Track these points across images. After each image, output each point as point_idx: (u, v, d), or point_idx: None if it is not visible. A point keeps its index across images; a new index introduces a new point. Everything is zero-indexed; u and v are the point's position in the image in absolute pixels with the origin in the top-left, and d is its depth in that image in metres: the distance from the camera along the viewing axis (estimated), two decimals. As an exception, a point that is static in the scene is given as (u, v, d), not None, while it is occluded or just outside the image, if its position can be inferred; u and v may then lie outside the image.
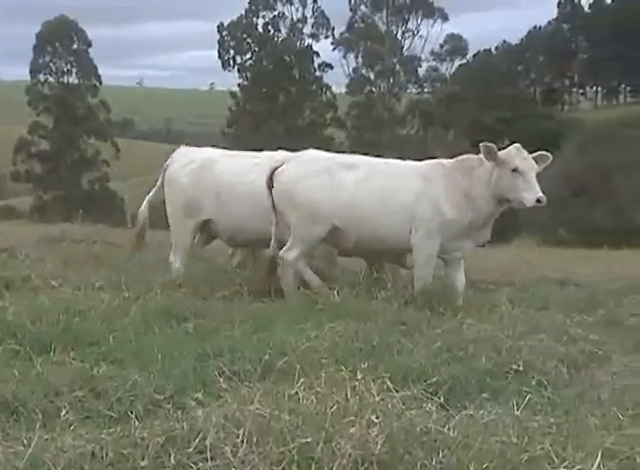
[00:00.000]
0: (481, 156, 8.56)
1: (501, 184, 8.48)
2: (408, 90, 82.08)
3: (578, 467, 3.42)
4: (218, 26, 72.85)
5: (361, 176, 8.73)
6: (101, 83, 66.51)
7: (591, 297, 9.09)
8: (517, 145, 8.63)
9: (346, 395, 3.94)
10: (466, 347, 5.93)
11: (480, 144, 8.56)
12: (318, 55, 72.57)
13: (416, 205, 8.58)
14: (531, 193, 8.33)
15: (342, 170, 8.76)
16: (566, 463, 3.45)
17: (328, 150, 10.33)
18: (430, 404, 4.16)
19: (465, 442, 3.61)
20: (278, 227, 8.81)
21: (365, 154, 10.85)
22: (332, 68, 73.84)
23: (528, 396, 4.52)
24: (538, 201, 8.28)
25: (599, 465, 3.42)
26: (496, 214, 8.78)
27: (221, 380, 4.52)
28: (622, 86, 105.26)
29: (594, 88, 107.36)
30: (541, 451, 3.53)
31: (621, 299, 8.68)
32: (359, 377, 4.20)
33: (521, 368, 5.36)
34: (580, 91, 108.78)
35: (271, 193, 8.77)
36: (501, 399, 4.64)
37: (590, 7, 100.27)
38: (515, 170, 8.42)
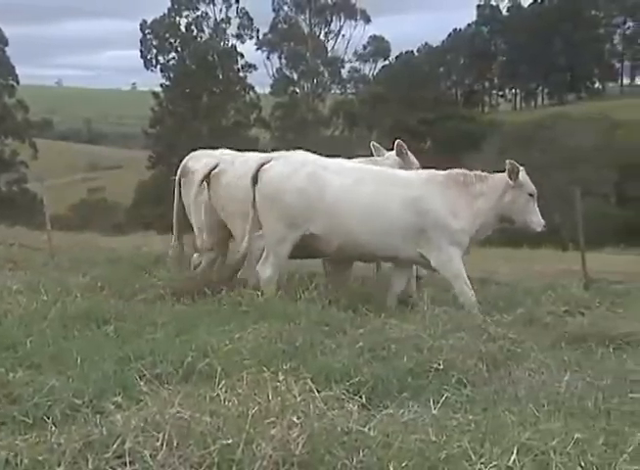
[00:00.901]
0: (477, 172, 8.80)
1: (515, 206, 8.70)
2: (332, 91, 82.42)
3: (495, 463, 3.48)
4: (141, 25, 72.02)
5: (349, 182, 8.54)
6: (18, 83, 64.93)
7: (511, 296, 9.26)
8: (523, 168, 8.79)
9: (268, 396, 3.93)
10: (388, 346, 5.98)
11: (507, 161, 8.69)
12: (242, 56, 72.31)
13: (411, 215, 8.43)
14: (539, 219, 8.76)
15: (329, 174, 8.55)
16: (483, 460, 3.52)
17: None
18: (351, 404, 4.18)
19: (385, 441, 3.64)
20: (253, 224, 8.61)
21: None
22: (256, 68, 73.66)
23: (447, 394, 4.58)
24: (544, 227, 8.80)
25: (515, 460, 3.49)
26: (489, 231, 8.96)
27: (142, 383, 4.46)
28: (540, 88, 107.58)
29: (513, 90, 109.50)
30: (459, 449, 3.59)
31: (540, 297, 8.86)
32: (281, 378, 4.20)
33: (441, 367, 5.42)
34: (500, 93, 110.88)
35: (254, 189, 8.56)
36: (422, 397, 4.69)
37: (508, 10, 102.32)
38: (531, 195, 8.75)
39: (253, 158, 9.29)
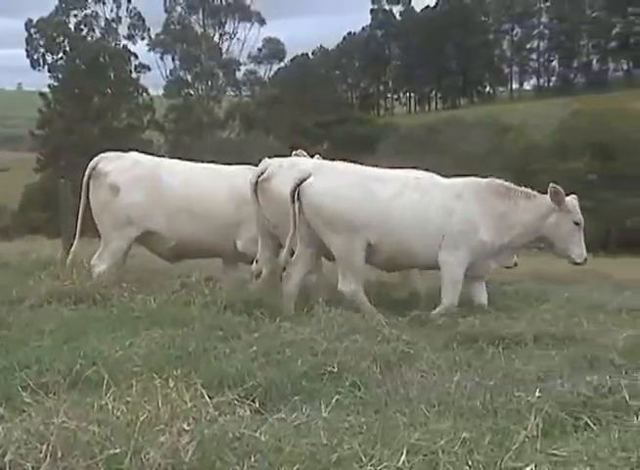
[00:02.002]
0: (525, 189, 8.79)
1: (559, 231, 8.71)
2: (227, 93, 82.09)
3: (385, 464, 3.52)
4: (26, 24, 70.06)
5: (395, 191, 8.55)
6: None
7: (407, 297, 9.40)
8: (575, 196, 8.84)
9: (158, 403, 3.87)
10: (283, 350, 5.97)
11: (550, 185, 8.66)
12: (136, 56, 71.28)
13: (447, 223, 8.52)
14: (582, 251, 8.74)
15: (376, 184, 8.57)
16: (373, 461, 3.55)
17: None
18: (244, 409, 4.16)
19: (276, 445, 3.64)
20: (293, 239, 8.44)
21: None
22: (149, 69, 72.76)
23: (337, 397, 4.62)
24: (585, 260, 8.79)
25: (404, 461, 3.54)
26: (523, 246, 9.15)
27: (25, 394, 4.33)
28: (434, 92, 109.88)
29: (408, 94, 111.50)
30: (350, 451, 3.62)
31: (434, 299, 9.00)
32: (172, 385, 4.14)
33: (335, 370, 5.45)
34: (395, 96, 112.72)
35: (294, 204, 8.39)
36: (315, 401, 4.70)
37: (401, 15, 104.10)
38: (577, 224, 8.73)
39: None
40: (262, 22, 79.78)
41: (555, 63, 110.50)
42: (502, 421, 4.18)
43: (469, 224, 8.53)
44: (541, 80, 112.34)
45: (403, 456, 3.55)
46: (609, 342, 6.41)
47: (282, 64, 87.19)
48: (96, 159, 9.64)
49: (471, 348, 6.62)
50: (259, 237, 9.17)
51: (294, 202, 8.37)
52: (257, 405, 4.50)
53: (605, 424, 4.15)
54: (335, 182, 8.48)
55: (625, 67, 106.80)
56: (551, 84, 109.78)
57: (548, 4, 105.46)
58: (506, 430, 3.99)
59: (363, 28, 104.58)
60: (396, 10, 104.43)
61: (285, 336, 6.40)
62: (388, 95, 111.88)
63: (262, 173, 9.00)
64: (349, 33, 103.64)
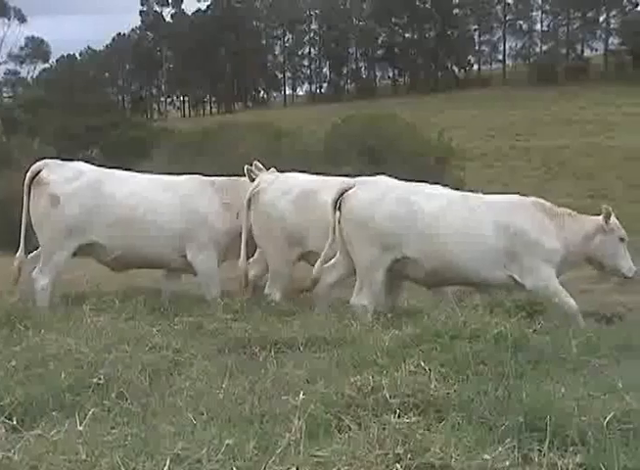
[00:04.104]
0: (566, 209, 8.97)
1: (606, 250, 8.83)
2: (-15, 94, 77.98)
3: (148, 474, 3.47)
4: None
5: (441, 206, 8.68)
6: None
7: (180, 304, 9.32)
8: (614, 214, 8.89)
9: None
10: (46, 363, 5.73)
11: (603, 207, 8.82)
12: None
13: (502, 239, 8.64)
14: (629, 264, 8.84)
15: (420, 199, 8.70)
16: (136, 472, 3.49)
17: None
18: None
19: (32, 464, 3.49)
20: (331, 248, 8.73)
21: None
22: None
23: (99, 409, 4.50)
24: (636, 273, 8.85)
25: (167, 470, 3.50)
26: (570, 268, 9.15)
27: None
28: (209, 97, 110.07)
29: (182, 98, 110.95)
30: (110, 465, 3.53)
31: (209, 304, 8.99)
32: None
33: (102, 381, 5.30)
34: (169, 100, 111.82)
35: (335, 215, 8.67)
36: (80, 414, 4.54)
37: (172, 17, 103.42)
38: (622, 240, 8.84)
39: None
40: (23, 19, 76.54)
41: (326, 69, 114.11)
42: (268, 425, 4.23)
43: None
44: (313, 86, 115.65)
45: (166, 467, 3.51)
46: (375, 343, 6.65)
47: (47, 64, 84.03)
48: (39, 164, 9.38)
49: (243, 353, 6.66)
50: (242, 248, 9.44)
51: (335, 211, 8.65)
52: (14, 423, 4.28)
53: (366, 423, 4.29)
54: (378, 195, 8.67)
55: (391, 74, 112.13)
56: (323, 90, 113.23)
57: (317, 11, 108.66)
58: (270, 434, 4.05)
59: (133, 30, 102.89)
60: (166, 12, 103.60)
61: (49, 348, 6.15)
62: (162, 99, 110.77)
63: (256, 188, 9.42)
64: (119, 34, 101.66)
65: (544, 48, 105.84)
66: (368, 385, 4.79)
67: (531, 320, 7.20)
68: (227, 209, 9.94)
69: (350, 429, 4.23)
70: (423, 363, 5.38)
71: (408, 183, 9.14)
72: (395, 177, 9.69)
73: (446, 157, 38.74)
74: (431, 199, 8.79)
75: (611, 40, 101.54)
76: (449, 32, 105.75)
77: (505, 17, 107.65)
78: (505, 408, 4.54)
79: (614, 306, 9.57)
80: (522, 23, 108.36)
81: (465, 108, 76.94)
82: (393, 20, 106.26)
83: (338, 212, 8.76)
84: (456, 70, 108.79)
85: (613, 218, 8.95)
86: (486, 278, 8.77)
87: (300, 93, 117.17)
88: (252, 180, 9.89)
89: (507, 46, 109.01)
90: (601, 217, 8.88)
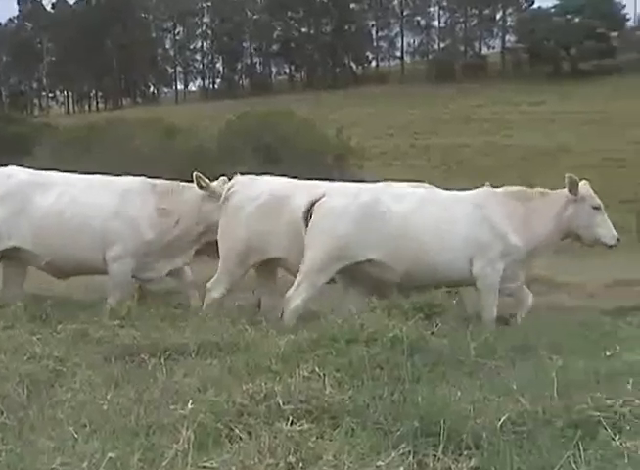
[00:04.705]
0: (538, 189, 9.02)
1: (580, 221, 8.78)
2: None
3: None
4: None
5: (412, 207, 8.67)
6: None
7: (64, 310, 9.15)
8: (586, 182, 8.90)
9: None
10: None
11: (566, 176, 8.76)
12: None
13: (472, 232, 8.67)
14: (610, 232, 8.79)
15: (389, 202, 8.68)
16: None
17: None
18: None
19: None
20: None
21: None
22: None
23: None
24: (618, 240, 8.79)
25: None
26: (553, 247, 9.12)
27: None
28: (94, 92, 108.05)
29: (65, 93, 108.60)
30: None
31: (95, 311, 8.84)
32: None
33: (-26, 395, 5.15)
34: (51, 95, 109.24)
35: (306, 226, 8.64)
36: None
37: (53, 7, 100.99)
38: (596, 208, 8.78)
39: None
40: None
41: (219, 64, 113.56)
42: (155, 437, 4.19)
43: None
44: (206, 82, 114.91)
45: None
46: (270, 348, 6.65)
47: None
48: None
49: (131, 361, 6.56)
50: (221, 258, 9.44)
51: (306, 224, 8.64)
52: None
53: (257, 431, 4.30)
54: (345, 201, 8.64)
55: (287, 70, 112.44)
56: (216, 86, 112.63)
57: (209, 3, 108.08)
58: (158, 446, 4.01)
59: (10, 19, 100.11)
60: (47, 1, 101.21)
61: None
62: (43, 93, 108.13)
63: (229, 189, 9.44)
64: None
65: (442, 45, 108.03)
66: (261, 392, 4.79)
67: (429, 322, 7.32)
68: (162, 215, 9.83)
69: (241, 438, 4.22)
70: (318, 369, 5.42)
71: (374, 185, 9.30)
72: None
73: (345, 155, 39.11)
74: (401, 199, 8.83)
75: (507, 38, 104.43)
76: (346, 27, 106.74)
77: (402, 12, 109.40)
78: (400, 413, 4.61)
79: (511, 307, 9.82)
80: (419, 18, 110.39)
81: (363, 105, 77.80)
82: (289, 13, 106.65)
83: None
84: (354, 66, 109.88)
85: (583, 187, 8.95)
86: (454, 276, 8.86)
87: (193, 89, 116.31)
88: (201, 188, 9.80)
89: (405, 42, 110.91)
90: (565, 190, 8.94)
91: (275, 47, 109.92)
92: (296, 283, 8.72)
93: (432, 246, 8.64)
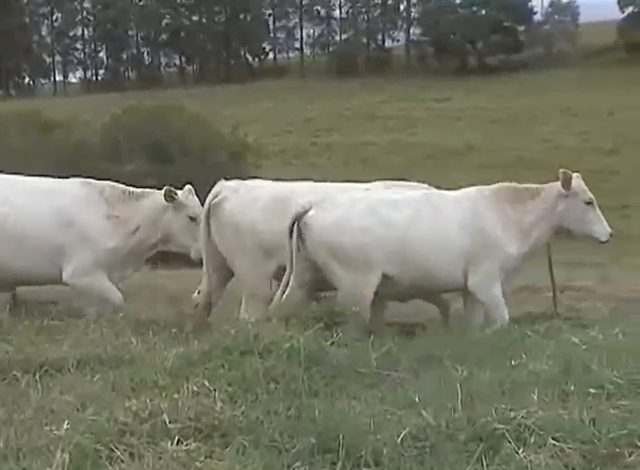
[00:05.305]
0: (528, 185, 9.06)
1: (571, 217, 8.87)
2: None
3: None
4: None
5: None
6: None
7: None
8: (578, 175, 8.90)
9: None
10: None
11: (560, 171, 8.76)
12: None
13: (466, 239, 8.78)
14: (603, 227, 8.87)
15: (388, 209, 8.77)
16: None
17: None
18: None
19: None
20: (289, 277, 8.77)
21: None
22: None
23: None
24: (611, 235, 8.84)
25: None
26: (544, 244, 9.24)
27: None
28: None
29: None
30: None
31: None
32: None
33: None
34: None
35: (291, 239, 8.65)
36: None
37: None
38: (589, 203, 8.82)
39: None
40: None
41: (103, 54, 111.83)
42: (26, 461, 4.10)
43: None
44: (88, 73, 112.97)
45: None
46: (157, 362, 6.58)
47: None
48: None
49: (2, 379, 6.41)
50: (205, 265, 9.54)
51: (291, 238, 8.61)
52: None
53: (140, 452, 4.24)
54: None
55: (178, 62, 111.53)
56: (100, 78, 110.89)
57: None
58: (29, 470, 3.93)
59: None
60: None
61: None
62: None
63: (216, 196, 9.39)
64: None
65: (344, 37, 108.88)
66: (145, 409, 4.74)
67: (330, 332, 7.37)
68: (117, 223, 9.66)
69: (122, 460, 4.17)
70: (208, 383, 5.39)
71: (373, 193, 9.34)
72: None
73: (241, 153, 39.07)
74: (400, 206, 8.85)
75: (412, 30, 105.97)
76: (241, 16, 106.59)
77: (301, 1, 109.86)
78: (296, 429, 4.62)
79: (416, 316, 9.97)
80: (319, 8, 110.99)
81: (260, 100, 77.92)
82: (178, 0, 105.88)
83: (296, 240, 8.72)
84: (250, 58, 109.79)
85: (576, 181, 8.98)
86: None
87: (73, 80, 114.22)
88: (172, 199, 9.68)
89: (304, 33, 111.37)
90: (558, 184, 8.96)
91: (164, 36, 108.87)
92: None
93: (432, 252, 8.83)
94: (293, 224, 8.72)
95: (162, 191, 9.73)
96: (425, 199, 9.04)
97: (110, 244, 9.58)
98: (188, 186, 10.02)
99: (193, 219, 9.67)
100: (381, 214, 8.73)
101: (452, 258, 8.76)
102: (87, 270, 9.50)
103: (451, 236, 8.78)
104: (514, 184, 9.21)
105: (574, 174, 9.00)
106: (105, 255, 9.57)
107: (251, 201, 9.43)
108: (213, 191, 9.61)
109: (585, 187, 9.04)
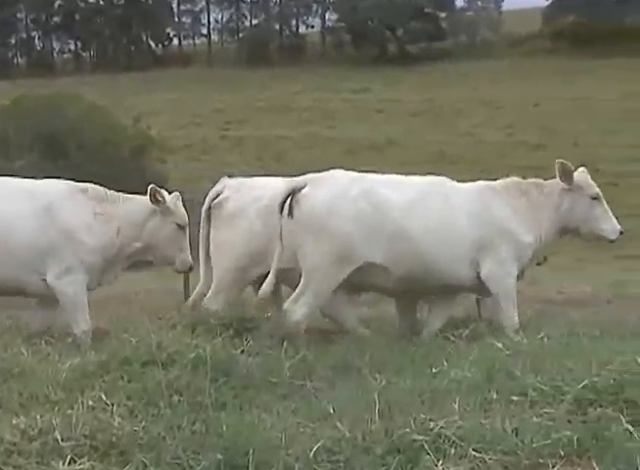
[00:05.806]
0: (533, 179, 8.96)
1: (577, 214, 8.68)
2: None
3: None
4: None
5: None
6: None
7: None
8: (584, 169, 8.76)
9: None
10: None
11: (557, 161, 8.58)
12: None
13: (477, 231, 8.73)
14: (612, 225, 8.68)
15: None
16: None
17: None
18: None
19: None
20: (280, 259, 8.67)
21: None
22: None
23: None
24: (621, 233, 8.66)
25: None
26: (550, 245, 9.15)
27: None
28: None
29: None
30: None
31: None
32: None
33: None
34: None
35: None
36: None
37: None
38: (595, 198, 8.63)
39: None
40: None
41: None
42: None
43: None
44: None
45: None
46: (49, 374, 6.48)
47: None
48: None
49: None
50: (202, 266, 9.70)
51: (281, 214, 8.62)
52: None
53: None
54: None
55: (73, 47, 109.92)
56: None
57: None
58: None
59: None
60: None
61: None
62: None
63: (218, 195, 9.54)
64: None
65: (254, 22, 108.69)
66: (35, 427, 4.68)
67: (240, 339, 7.37)
68: (103, 222, 9.43)
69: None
70: (105, 397, 5.35)
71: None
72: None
73: (144, 147, 38.77)
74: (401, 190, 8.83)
75: (328, 16, 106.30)
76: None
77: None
78: (202, 445, 4.62)
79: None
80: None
81: (164, 90, 77.28)
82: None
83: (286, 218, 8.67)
84: (152, 44, 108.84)
85: (579, 175, 8.86)
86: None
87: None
88: (157, 201, 9.41)
89: (212, 18, 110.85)
90: (557, 178, 8.85)
91: (56, 19, 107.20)
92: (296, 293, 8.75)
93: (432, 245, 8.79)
94: (284, 200, 8.72)
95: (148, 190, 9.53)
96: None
97: (96, 242, 9.40)
98: (176, 193, 9.92)
99: (181, 228, 9.57)
100: (378, 198, 8.71)
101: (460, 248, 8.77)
102: (72, 270, 9.26)
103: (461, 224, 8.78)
104: (517, 178, 9.16)
105: (580, 169, 8.89)
106: (91, 254, 9.38)
107: (252, 200, 9.51)
108: (214, 189, 9.72)
109: (591, 181, 8.89)
